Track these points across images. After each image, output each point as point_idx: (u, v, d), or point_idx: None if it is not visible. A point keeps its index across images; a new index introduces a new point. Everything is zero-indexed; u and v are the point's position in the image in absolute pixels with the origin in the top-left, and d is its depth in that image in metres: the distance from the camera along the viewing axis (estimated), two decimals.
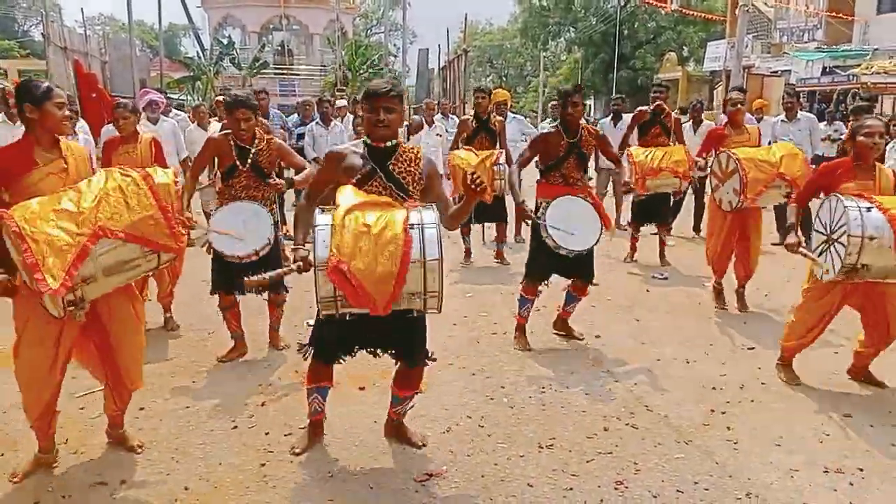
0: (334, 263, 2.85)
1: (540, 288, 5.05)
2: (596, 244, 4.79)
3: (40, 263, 2.81)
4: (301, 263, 3.19)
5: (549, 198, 4.75)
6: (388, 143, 3.22)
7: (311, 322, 5.41)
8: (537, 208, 4.81)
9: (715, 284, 6.14)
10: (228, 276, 4.54)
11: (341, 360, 3.43)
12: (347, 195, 3.07)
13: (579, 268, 4.88)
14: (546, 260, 4.84)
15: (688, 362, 4.80)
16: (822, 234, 4.06)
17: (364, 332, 3.17)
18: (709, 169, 5.97)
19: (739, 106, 6.11)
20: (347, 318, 3.04)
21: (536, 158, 5.00)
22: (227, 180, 4.59)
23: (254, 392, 4.26)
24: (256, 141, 4.54)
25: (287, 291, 4.93)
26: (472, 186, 2.95)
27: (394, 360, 3.43)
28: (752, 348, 5.06)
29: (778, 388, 4.37)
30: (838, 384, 4.40)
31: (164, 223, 3.13)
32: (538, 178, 5.04)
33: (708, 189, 6.11)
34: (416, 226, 2.93)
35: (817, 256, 4.07)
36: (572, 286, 5.05)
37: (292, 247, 3.33)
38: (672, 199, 8.02)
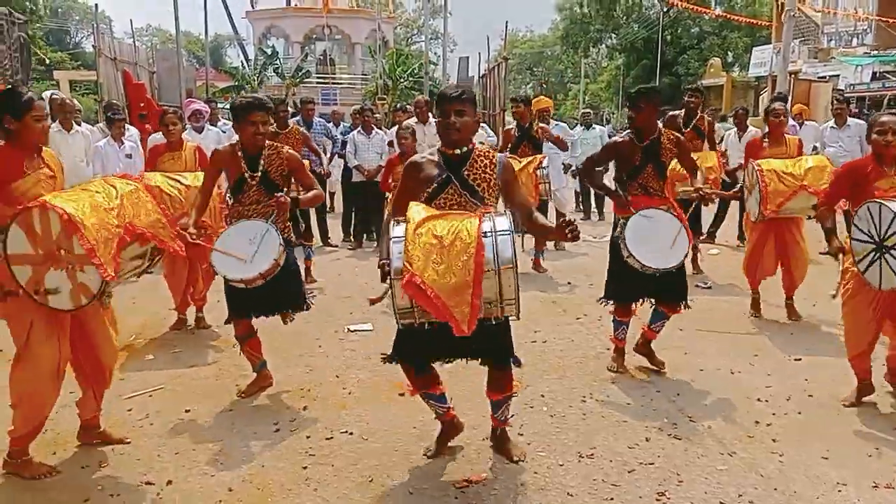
0: (408, 278, 2.87)
1: (634, 307, 4.68)
2: (684, 259, 4.42)
3: (96, 250, 3.01)
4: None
5: (628, 213, 4.39)
6: (461, 150, 3.24)
7: (353, 328, 5.56)
8: (615, 225, 4.54)
9: (752, 294, 6.06)
10: (241, 302, 4.19)
11: (431, 369, 3.39)
12: (416, 210, 3.09)
13: (670, 287, 4.50)
14: (631, 281, 4.47)
15: (732, 373, 4.72)
16: (869, 242, 3.82)
17: (447, 339, 3.03)
18: (744, 180, 5.89)
19: (782, 118, 5.97)
20: (426, 326, 3.04)
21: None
22: (237, 195, 4.21)
23: (296, 395, 4.32)
24: (266, 150, 4.16)
25: (308, 308, 4.43)
26: (567, 233, 2.98)
27: (483, 365, 3.40)
28: (799, 359, 4.95)
29: (825, 400, 4.26)
30: (890, 398, 4.27)
31: (170, 227, 3.51)
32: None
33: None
34: (488, 233, 2.93)
35: (866, 267, 3.84)
36: (660, 303, 4.62)
37: (380, 261, 3.28)
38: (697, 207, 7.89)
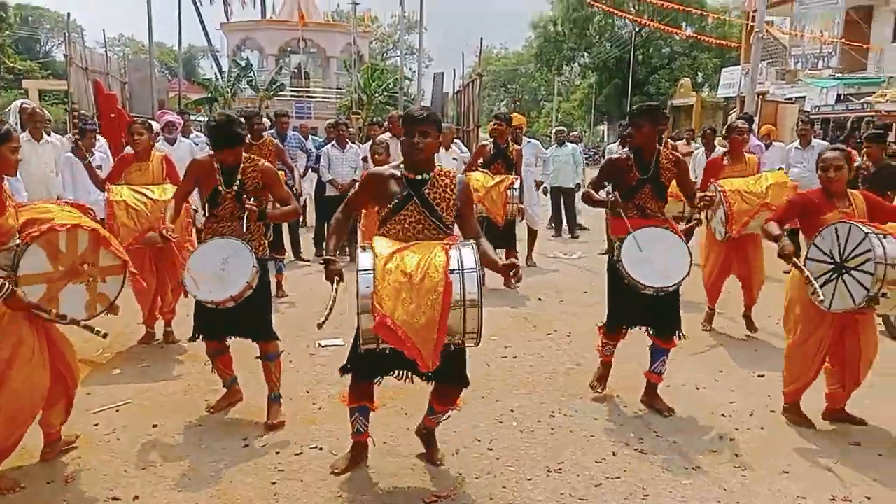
0: (379, 320, 2.93)
1: (624, 331, 4.54)
2: (685, 278, 4.19)
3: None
4: (338, 277, 3.24)
5: (624, 233, 4.19)
6: (423, 174, 3.33)
7: (324, 343, 5.56)
8: (611, 245, 4.40)
9: (708, 309, 6.21)
10: (210, 320, 4.09)
11: (379, 381, 3.47)
12: (382, 244, 3.17)
13: (664, 314, 4.31)
14: (624, 305, 4.35)
15: (697, 388, 4.80)
16: (827, 262, 3.89)
17: (402, 356, 3.10)
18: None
19: (745, 135, 6.12)
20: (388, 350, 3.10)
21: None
22: (212, 208, 4.12)
23: (264, 412, 4.29)
24: (243, 162, 4.09)
25: (278, 339, 4.25)
26: (510, 275, 3.17)
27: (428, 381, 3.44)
28: (762, 375, 5.06)
29: None
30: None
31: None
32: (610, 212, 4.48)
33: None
34: (455, 270, 2.99)
35: (821, 286, 3.85)
36: (654, 337, 4.41)
37: (323, 257, 3.35)
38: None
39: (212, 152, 4.14)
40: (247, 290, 3.92)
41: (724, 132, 7.22)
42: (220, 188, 4.07)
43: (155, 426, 4.08)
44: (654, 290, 4.10)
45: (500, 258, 3.42)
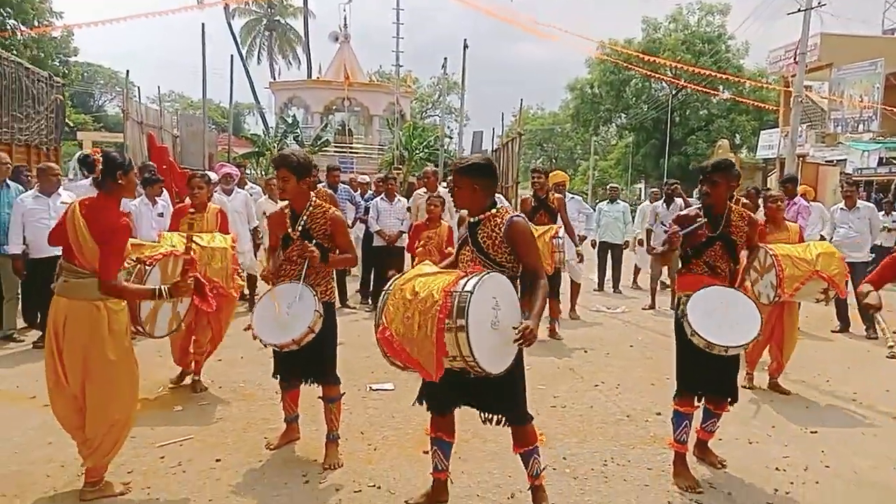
0: (380, 331, 3.15)
1: (696, 403, 4.20)
2: (755, 339, 4.04)
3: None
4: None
5: (691, 290, 4.09)
6: (475, 217, 3.53)
7: (375, 387, 5.68)
8: (678, 303, 4.25)
9: (747, 373, 6.05)
10: (279, 363, 4.34)
11: (451, 417, 3.62)
12: (421, 267, 3.41)
13: (722, 378, 4.15)
14: (692, 366, 4.11)
15: (750, 443, 4.80)
16: None
17: (459, 389, 3.32)
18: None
19: (779, 203, 6.16)
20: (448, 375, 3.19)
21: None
22: (284, 251, 4.28)
23: (321, 451, 4.37)
24: (311, 207, 4.24)
25: (340, 383, 4.40)
26: (520, 339, 3.10)
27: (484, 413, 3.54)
28: (815, 432, 5.03)
29: (842, 471, 4.34)
30: None
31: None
32: (679, 267, 4.38)
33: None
34: (454, 293, 3.07)
35: None
36: (708, 401, 4.27)
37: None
38: None
39: (283, 204, 4.35)
40: (308, 334, 4.03)
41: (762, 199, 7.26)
42: (289, 231, 4.23)
43: (218, 460, 4.22)
44: (721, 350, 3.92)
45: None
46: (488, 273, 3.20)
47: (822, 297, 5.73)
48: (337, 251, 4.36)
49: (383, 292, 3.30)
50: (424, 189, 9.19)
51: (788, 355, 6.01)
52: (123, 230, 3.60)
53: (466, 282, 3.09)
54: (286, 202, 4.32)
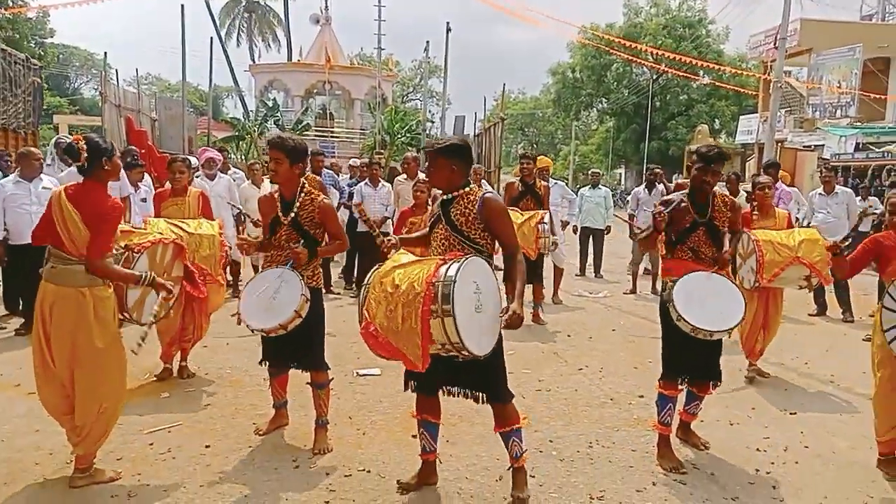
0: (363, 326, 3.20)
1: (680, 386, 4.28)
2: (739, 324, 4.14)
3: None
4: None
5: (676, 275, 4.16)
6: (448, 195, 3.59)
7: (362, 372, 5.71)
8: (664, 288, 4.31)
9: (749, 365, 6.07)
10: (266, 348, 4.35)
11: (436, 399, 3.68)
12: (397, 257, 3.41)
13: (706, 362, 4.24)
14: (678, 350, 4.19)
15: (731, 424, 4.90)
16: None
17: (442, 370, 3.37)
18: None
19: (766, 190, 6.16)
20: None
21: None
22: (272, 236, 4.28)
23: (310, 436, 4.40)
24: (302, 195, 4.23)
25: (329, 369, 4.44)
26: (505, 319, 3.26)
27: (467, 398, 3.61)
28: (794, 413, 5.15)
29: (821, 451, 4.46)
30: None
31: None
32: (664, 252, 4.42)
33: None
34: (436, 282, 3.10)
35: (893, 338, 3.87)
36: (692, 384, 4.33)
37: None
38: None
39: (275, 187, 4.33)
40: (295, 318, 4.03)
41: (751, 187, 7.30)
42: (279, 216, 4.22)
43: (207, 446, 4.24)
44: (706, 334, 4.00)
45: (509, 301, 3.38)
46: (467, 258, 3.24)
47: (804, 283, 5.80)
48: (326, 238, 4.37)
49: (363, 286, 3.33)
50: (405, 175, 9.19)
51: (770, 339, 6.10)
52: (116, 211, 3.64)
53: (448, 269, 3.13)
54: (276, 187, 4.32)
